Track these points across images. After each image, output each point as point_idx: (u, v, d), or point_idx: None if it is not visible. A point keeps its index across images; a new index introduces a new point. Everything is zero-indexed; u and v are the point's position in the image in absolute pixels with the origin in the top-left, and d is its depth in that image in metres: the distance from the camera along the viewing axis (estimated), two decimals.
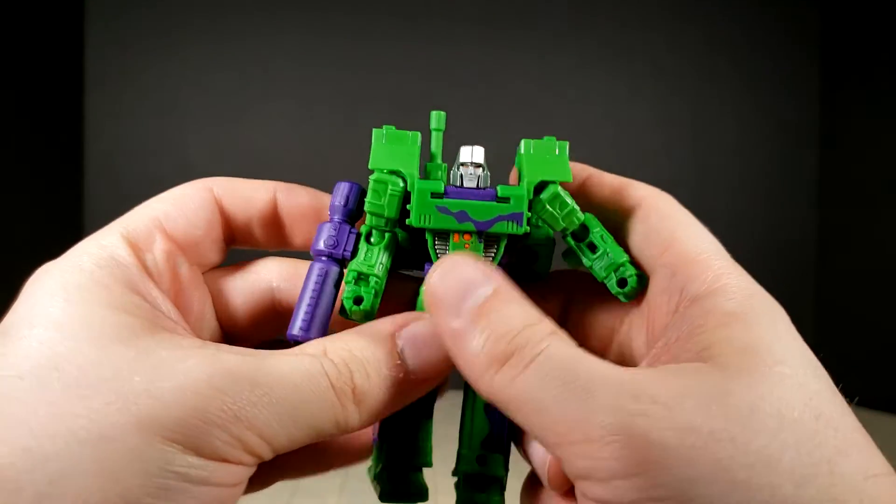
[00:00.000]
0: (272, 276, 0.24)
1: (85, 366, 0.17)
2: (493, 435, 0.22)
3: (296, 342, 0.21)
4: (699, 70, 2.35)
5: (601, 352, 0.24)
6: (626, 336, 0.23)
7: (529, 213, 0.22)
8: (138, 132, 2.25)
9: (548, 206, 0.22)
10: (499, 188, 0.22)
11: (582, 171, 0.24)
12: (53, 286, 0.19)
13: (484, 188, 0.22)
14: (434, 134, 0.23)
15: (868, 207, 2.13)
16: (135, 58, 2.25)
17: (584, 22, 2.32)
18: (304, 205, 0.24)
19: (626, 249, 0.23)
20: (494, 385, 0.18)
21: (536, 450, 0.21)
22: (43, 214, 1.96)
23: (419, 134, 0.23)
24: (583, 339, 0.24)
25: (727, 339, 0.18)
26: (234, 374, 0.18)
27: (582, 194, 0.24)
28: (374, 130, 0.23)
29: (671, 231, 0.22)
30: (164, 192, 0.23)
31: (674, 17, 2.34)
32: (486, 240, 0.22)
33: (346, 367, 0.19)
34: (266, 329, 0.25)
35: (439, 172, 0.23)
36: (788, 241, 2.35)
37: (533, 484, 0.22)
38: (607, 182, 0.24)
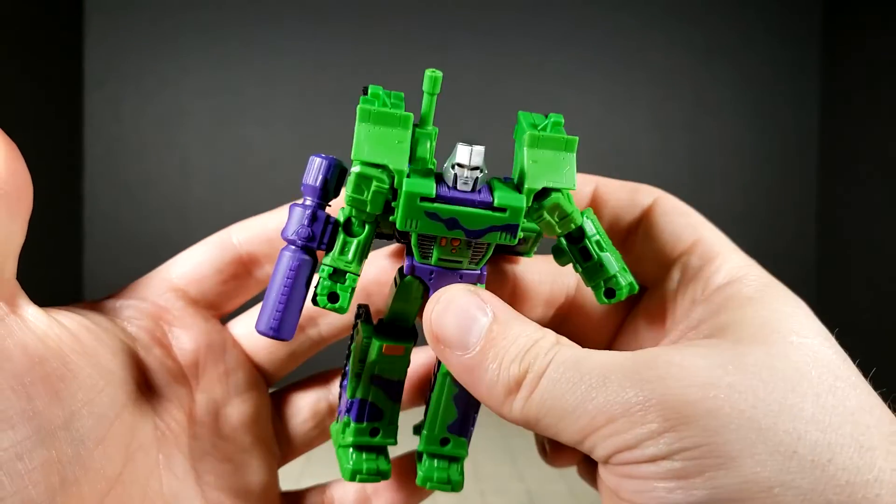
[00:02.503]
0: None
1: None
2: (459, 420, 0.23)
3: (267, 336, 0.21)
4: (697, 71, 2.35)
5: (606, 341, 0.25)
6: (634, 326, 0.24)
7: (525, 220, 0.20)
8: (138, 132, 2.25)
9: (546, 215, 0.20)
10: (496, 195, 0.19)
11: (587, 182, 0.24)
12: None
13: (479, 189, 0.20)
14: (426, 98, 0.21)
15: (868, 209, 2.13)
16: (135, 58, 2.25)
17: (583, 24, 2.32)
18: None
19: (641, 246, 0.23)
20: (516, 407, 0.18)
21: None
22: (43, 215, 1.96)
23: (412, 116, 0.20)
24: (587, 328, 0.25)
25: (741, 317, 0.19)
26: None
27: (594, 204, 0.24)
28: (359, 108, 0.20)
29: (695, 228, 0.22)
30: (183, 252, 0.25)
31: (672, 18, 2.34)
32: (476, 246, 0.20)
33: None
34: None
35: (428, 143, 0.21)
36: (788, 242, 2.35)
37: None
38: (616, 188, 0.24)
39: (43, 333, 0.19)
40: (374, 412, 0.23)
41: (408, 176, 0.19)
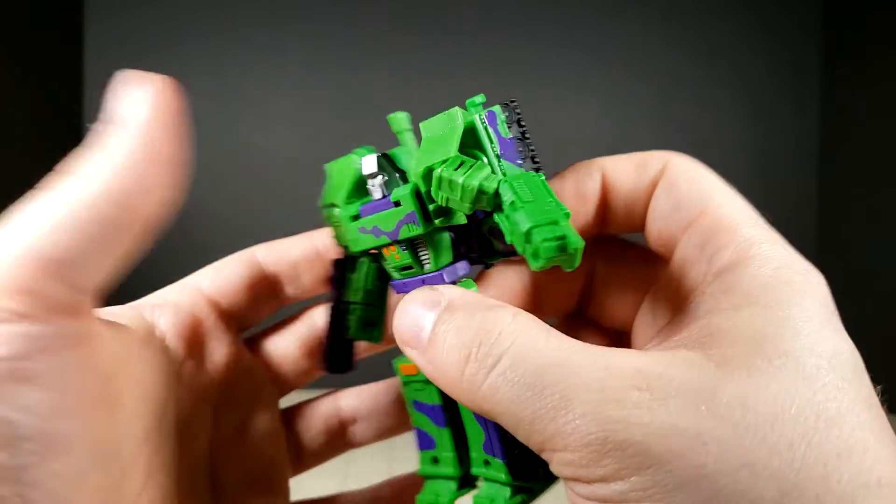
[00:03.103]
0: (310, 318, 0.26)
1: None
2: (489, 439, 0.21)
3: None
4: (697, 71, 2.35)
5: (623, 328, 0.23)
6: (649, 311, 0.22)
7: (433, 205, 0.20)
8: None
9: (440, 193, 0.19)
10: (392, 192, 0.20)
11: (592, 173, 0.22)
12: None
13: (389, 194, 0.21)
14: (399, 137, 0.22)
15: (868, 209, 2.13)
16: (135, 58, 2.25)
17: (583, 24, 2.32)
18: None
19: (650, 224, 0.21)
20: (465, 393, 0.17)
21: None
22: None
23: (354, 158, 0.22)
24: (605, 313, 0.24)
25: (733, 326, 0.17)
26: None
27: (606, 195, 0.22)
28: (325, 166, 0.23)
29: (702, 196, 0.20)
30: (211, 266, 0.25)
31: (672, 18, 2.34)
32: (411, 245, 0.21)
33: None
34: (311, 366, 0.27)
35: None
36: (787, 242, 2.34)
37: None
38: (622, 167, 0.21)
39: (108, 353, 0.18)
40: (426, 440, 0.23)
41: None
